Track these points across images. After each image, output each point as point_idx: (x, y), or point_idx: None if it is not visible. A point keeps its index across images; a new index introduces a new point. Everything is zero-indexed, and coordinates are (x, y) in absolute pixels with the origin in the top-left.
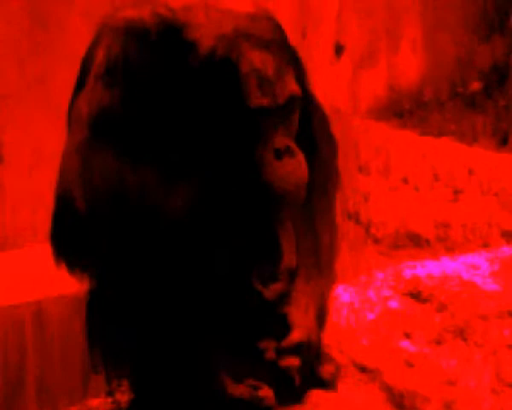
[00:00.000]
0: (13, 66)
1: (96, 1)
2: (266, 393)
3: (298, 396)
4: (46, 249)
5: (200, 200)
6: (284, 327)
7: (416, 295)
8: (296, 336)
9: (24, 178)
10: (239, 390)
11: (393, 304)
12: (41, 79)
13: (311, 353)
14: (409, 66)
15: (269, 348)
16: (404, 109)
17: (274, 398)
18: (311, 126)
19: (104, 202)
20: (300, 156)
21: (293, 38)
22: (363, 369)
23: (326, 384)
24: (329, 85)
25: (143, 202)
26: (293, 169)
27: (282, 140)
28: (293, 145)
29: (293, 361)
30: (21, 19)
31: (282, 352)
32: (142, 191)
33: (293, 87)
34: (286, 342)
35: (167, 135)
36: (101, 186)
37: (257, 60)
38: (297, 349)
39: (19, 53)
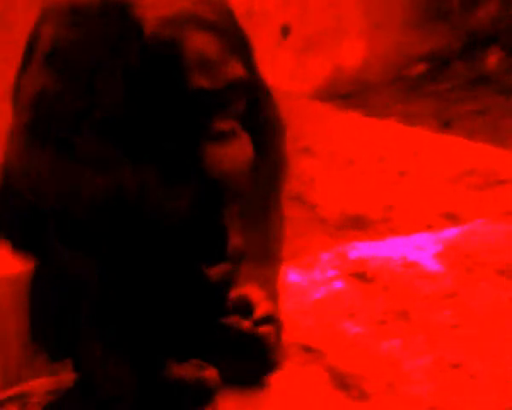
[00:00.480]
0: None
1: None
2: (210, 373)
3: (274, 368)
4: None
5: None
6: (245, 307)
7: (360, 276)
8: (266, 307)
9: None
10: (183, 371)
11: (338, 285)
12: None
13: (278, 329)
14: (354, 48)
15: (240, 321)
16: (349, 91)
17: (219, 378)
18: (258, 111)
19: (48, 194)
20: (244, 140)
21: (239, 19)
22: (307, 349)
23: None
24: (275, 67)
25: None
26: (235, 153)
27: (223, 124)
28: (236, 129)
29: (268, 329)
30: None
31: (256, 323)
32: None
33: (236, 71)
34: (259, 312)
35: (112, 127)
36: (46, 180)
37: (199, 42)
38: (270, 320)
39: None
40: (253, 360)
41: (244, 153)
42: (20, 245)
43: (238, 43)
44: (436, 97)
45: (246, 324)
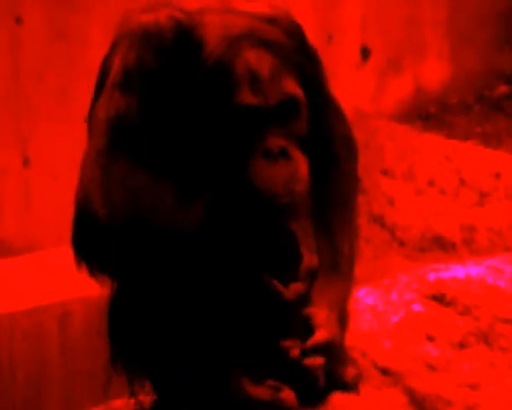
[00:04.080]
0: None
1: (116, 12)
2: (287, 394)
3: (320, 398)
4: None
5: (213, 213)
6: (307, 328)
7: (439, 299)
8: (321, 336)
9: (48, 183)
10: (259, 392)
11: (417, 307)
12: (62, 92)
13: (335, 354)
14: (434, 69)
15: (293, 347)
16: (430, 113)
17: (295, 399)
18: (328, 132)
19: (121, 212)
20: (298, 159)
21: (318, 42)
22: (385, 372)
23: (348, 387)
24: (355, 88)
25: (158, 217)
26: (285, 171)
27: (274, 142)
28: (288, 148)
29: (317, 360)
30: (43, 32)
31: (306, 352)
32: (157, 208)
33: (291, 90)
34: (311, 342)
35: (180, 145)
36: (119, 197)
37: (252, 59)
38: (321, 349)
39: (40, 66)
40: (301, 386)
41: (294, 171)
42: (98, 269)
43: (302, 63)
44: None
45: (295, 352)
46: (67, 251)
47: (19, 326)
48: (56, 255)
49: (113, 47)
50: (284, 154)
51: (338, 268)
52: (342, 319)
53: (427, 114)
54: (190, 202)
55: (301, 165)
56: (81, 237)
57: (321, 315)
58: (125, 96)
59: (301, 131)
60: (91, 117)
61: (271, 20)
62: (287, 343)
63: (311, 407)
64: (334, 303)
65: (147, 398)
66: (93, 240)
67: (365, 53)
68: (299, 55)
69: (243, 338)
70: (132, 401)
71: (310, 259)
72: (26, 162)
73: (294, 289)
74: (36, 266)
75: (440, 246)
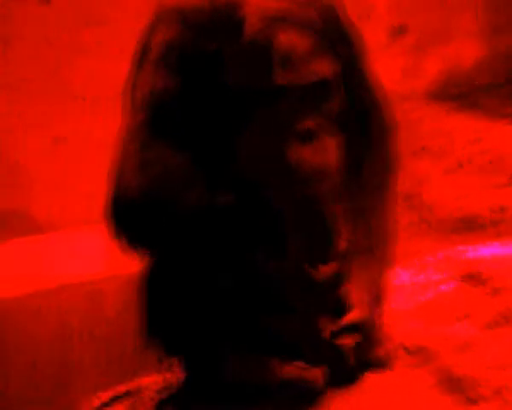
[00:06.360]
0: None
1: None
2: (315, 374)
3: (351, 379)
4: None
5: (241, 197)
6: (340, 309)
7: (468, 279)
8: (353, 316)
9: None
10: (287, 372)
11: (445, 288)
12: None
13: (367, 334)
14: (466, 49)
15: (326, 326)
16: (461, 92)
17: (323, 380)
18: (365, 113)
19: (154, 190)
20: (327, 140)
21: (351, 21)
22: (413, 352)
23: (381, 366)
24: (385, 67)
25: (186, 200)
26: (314, 153)
27: (305, 123)
28: (318, 128)
29: (348, 340)
30: None
31: (338, 331)
32: (186, 192)
33: (324, 71)
34: (343, 321)
35: (216, 128)
36: (155, 177)
37: (285, 39)
38: (354, 329)
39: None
40: (331, 366)
41: (322, 152)
42: (138, 241)
43: (336, 44)
44: None
45: (327, 333)
46: (95, 229)
47: (46, 305)
48: (85, 233)
49: (153, 25)
50: (314, 136)
51: (373, 251)
52: (377, 300)
53: (459, 93)
54: (219, 192)
55: (331, 147)
56: (120, 211)
57: (354, 296)
58: (164, 74)
59: (334, 112)
60: (129, 95)
61: (307, 2)
62: (321, 324)
63: (340, 388)
64: (369, 284)
65: (175, 376)
66: (128, 215)
67: (397, 32)
68: (333, 37)
69: (273, 320)
70: (160, 378)
71: (340, 241)
72: (56, 141)
73: (324, 271)
74: (64, 244)
75: (470, 226)
